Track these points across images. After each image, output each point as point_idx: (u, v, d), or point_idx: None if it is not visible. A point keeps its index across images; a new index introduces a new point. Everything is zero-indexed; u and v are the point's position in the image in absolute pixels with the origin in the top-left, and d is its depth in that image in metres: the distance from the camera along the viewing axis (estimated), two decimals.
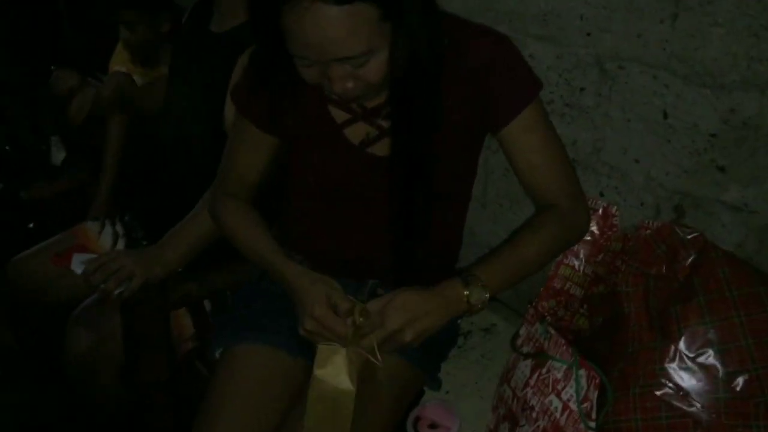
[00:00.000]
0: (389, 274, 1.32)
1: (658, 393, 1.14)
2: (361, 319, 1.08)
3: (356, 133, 1.26)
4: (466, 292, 1.13)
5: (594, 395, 1.06)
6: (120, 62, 2.35)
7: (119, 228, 1.89)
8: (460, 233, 1.43)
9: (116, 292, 1.46)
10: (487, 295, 1.14)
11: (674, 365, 1.15)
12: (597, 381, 1.06)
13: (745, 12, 1.14)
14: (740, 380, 1.09)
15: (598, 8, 1.35)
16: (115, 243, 1.86)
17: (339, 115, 1.26)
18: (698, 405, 1.11)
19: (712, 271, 1.20)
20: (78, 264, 1.54)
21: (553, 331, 1.16)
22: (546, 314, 1.49)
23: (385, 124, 1.24)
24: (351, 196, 1.29)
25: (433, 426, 1.34)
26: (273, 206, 1.46)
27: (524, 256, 1.21)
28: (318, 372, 1.06)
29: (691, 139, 1.28)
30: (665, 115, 1.31)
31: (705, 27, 1.20)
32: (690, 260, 1.25)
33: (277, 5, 1.00)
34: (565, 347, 1.13)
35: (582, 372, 1.08)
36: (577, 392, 1.07)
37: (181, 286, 1.60)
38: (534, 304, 1.51)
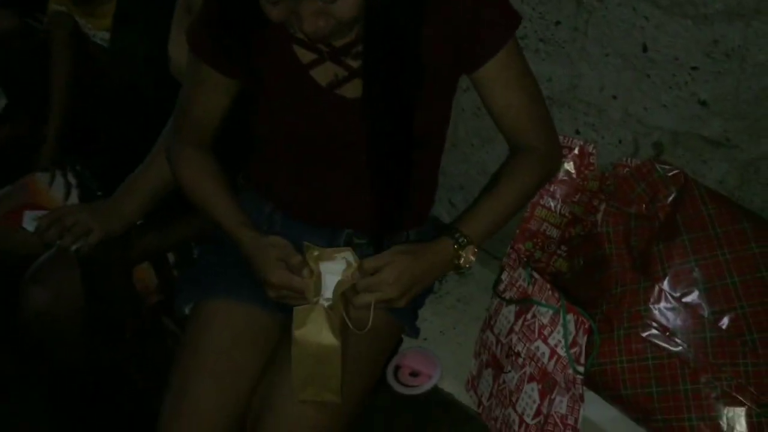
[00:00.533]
0: (365, 222, 1.27)
1: (643, 334, 1.13)
2: (350, 271, 1.07)
3: (324, 73, 1.18)
4: (460, 254, 1.13)
5: (583, 340, 1.04)
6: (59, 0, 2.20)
7: (71, 178, 1.78)
8: (436, 177, 1.38)
9: (73, 248, 1.38)
10: (474, 257, 1.14)
11: (659, 306, 1.14)
12: (587, 326, 1.04)
13: None
14: (726, 319, 1.09)
15: None
16: (67, 195, 1.76)
17: (304, 55, 1.18)
18: (684, 345, 1.10)
19: (695, 209, 1.18)
20: (30, 221, 1.45)
21: (537, 276, 1.13)
22: (523, 256, 1.46)
23: (354, 63, 1.16)
24: (321, 141, 1.22)
25: (414, 374, 1.32)
26: (237, 152, 1.39)
27: (506, 206, 1.20)
28: (298, 333, 1.02)
29: (671, 72, 1.25)
30: (644, 48, 1.27)
31: None
32: (671, 198, 1.24)
33: None
34: (551, 292, 1.10)
35: (570, 317, 1.06)
36: (566, 337, 1.05)
37: (141, 240, 1.52)
38: (510, 246, 1.48)
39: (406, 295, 1.09)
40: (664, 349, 1.11)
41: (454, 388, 1.34)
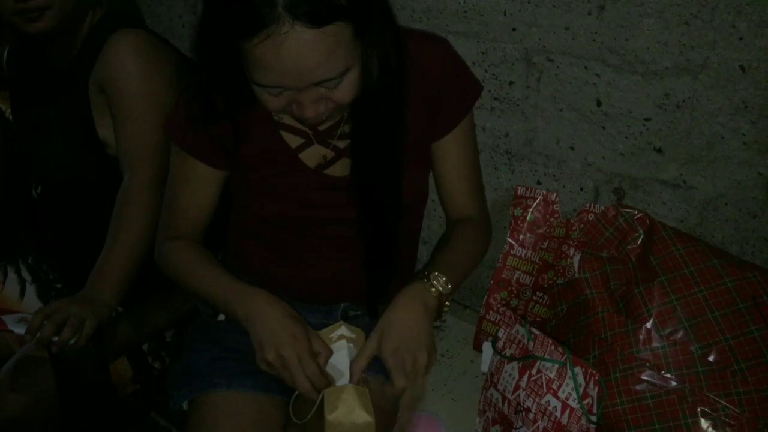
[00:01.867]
0: (358, 294, 1.29)
1: (638, 375, 1.20)
2: (355, 342, 1.11)
3: (312, 156, 1.21)
4: (437, 289, 1.14)
5: (594, 391, 1.10)
6: None
7: (25, 273, 1.72)
8: (418, 239, 1.42)
9: (72, 341, 1.33)
10: (450, 287, 1.15)
11: (650, 346, 1.21)
12: (596, 377, 1.10)
13: (673, 1, 1.19)
14: (714, 352, 1.17)
15: (522, 3, 1.36)
16: (23, 292, 1.69)
17: (292, 140, 1.20)
18: (679, 381, 1.17)
19: (666, 250, 1.27)
20: (15, 324, 1.38)
21: (537, 331, 1.18)
22: (499, 305, 1.52)
23: (340, 144, 1.20)
24: (312, 220, 1.24)
25: None
26: (215, 236, 1.39)
27: (460, 260, 1.23)
28: (331, 416, 1.02)
29: (626, 124, 1.34)
30: (598, 103, 1.35)
31: (634, 17, 1.24)
32: (640, 240, 1.31)
33: (243, 36, 0.93)
34: (553, 346, 1.15)
35: (578, 369, 1.11)
36: (576, 390, 1.10)
37: (117, 332, 1.48)
38: (486, 297, 1.54)
39: (420, 349, 1.07)
40: (661, 386, 1.18)
41: None
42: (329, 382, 1.09)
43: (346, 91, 1.02)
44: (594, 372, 1.10)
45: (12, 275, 1.71)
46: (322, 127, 1.18)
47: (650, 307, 1.23)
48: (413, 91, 1.15)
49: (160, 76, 1.46)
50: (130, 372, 1.61)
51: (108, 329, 1.46)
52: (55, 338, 1.29)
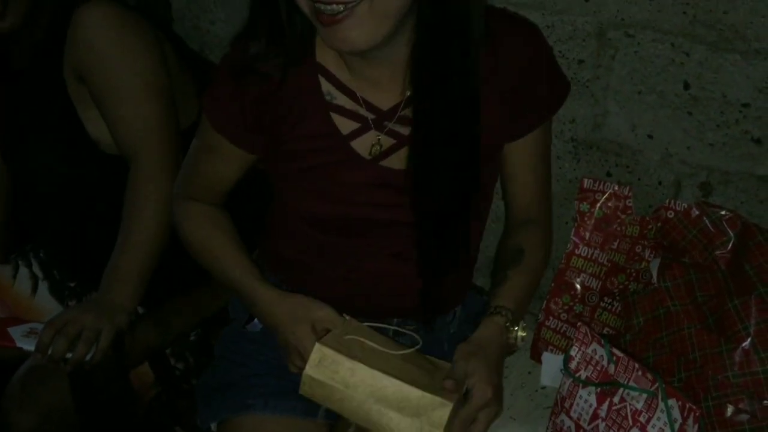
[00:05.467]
0: (411, 307, 1.14)
1: (735, 404, 1.05)
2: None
3: (367, 144, 1.05)
4: (512, 330, 1.07)
5: (694, 429, 0.94)
6: None
7: (37, 270, 1.59)
8: (479, 243, 1.26)
9: (87, 357, 1.20)
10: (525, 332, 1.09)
11: (747, 370, 1.05)
12: (696, 413, 0.94)
13: None
14: None
15: None
16: (34, 289, 1.57)
17: (344, 124, 1.04)
18: None
19: (764, 257, 1.10)
20: (22, 339, 1.25)
21: (619, 353, 1.03)
22: (561, 311, 1.37)
23: (403, 130, 1.03)
24: (362, 220, 1.08)
25: None
26: (252, 230, 1.24)
27: (531, 280, 1.16)
28: None
29: (718, 110, 1.17)
30: (686, 86, 1.18)
31: None
32: (730, 245, 1.15)
33: None
34: (641, 372, 1.00)
35: (672, 402, 0.95)
36: (671, 426, 0.94)
37: (139, 338, 1.35)
38: (546, 302, 1.38)
39: (499, 397, 0.99)
40: (763, 418, 1.03)
41: None
42: None
43: None
44: (694, 407, 0.94)
45: (24, 270, 1.58)
46: (384, 106, 1.02)
47: (748, 325, 1.07)
48: (491, 80, 0.99)
49: (142, 46, 1.30)
50: (152, 375, 1.48)
51: (128, 335, 1.33)
52: (69, 355, 1.16)
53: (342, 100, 1.03)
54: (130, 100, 1.31)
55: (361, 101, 1.03)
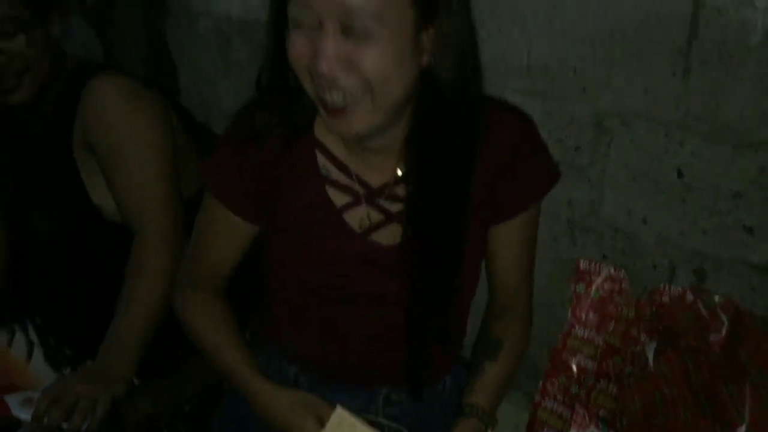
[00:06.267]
0: (401, 377, 1.15)
1: None
2: None
3: (358, 217, 1.08)
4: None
5: None
6: None
7: (32, 335, 1.59)
8: (469, 312, 1.28)
9: (84, 427, 1.19)
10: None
11: None
12: None
13: None
14: None
15: (595, 61, 1.24)
16: (30, 354, 1.56)
17: (338, 197, 1.08)
18: None
19: (758, 344, 1.13)
20: (19, 407, 1.24)
21: None
22: (557, 392, 1.37)
23: (392, 207, 1.07)
24: (352, 291, 1.11)
25: None
26: (247, 303, 1.26)
27: (509, 374, 1.16)
28: None
29: (711, 199, 1.20)
30: (679, 174, 1.22)
31: (727, 82, 1.12)
32: (725, 330, 1.18)
33: None
34: None
35: None
36: None
37: (135, 408, 1.34)
38: (542, 382, 1.39)
39: None
40: None
41: None
42: None
43: (375, 57, 0.88)
44: None
45: (20, 335, 1.58)
46: (375, 183, 1.05)
47: (742, 411, 1.08)
48: (481, 164, 1.03)
49: (150, 118, 1.35)
50: None
51: (124, 405, 1.32)
52: (65, 424, 1.15)
53: (336, 174, 1.07)
54: (137, 172, 1.35)
55: (354, 177, 1.06)
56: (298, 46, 0.91)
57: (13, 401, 1.25)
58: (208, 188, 1.13)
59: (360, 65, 0.88)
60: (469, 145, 1.00)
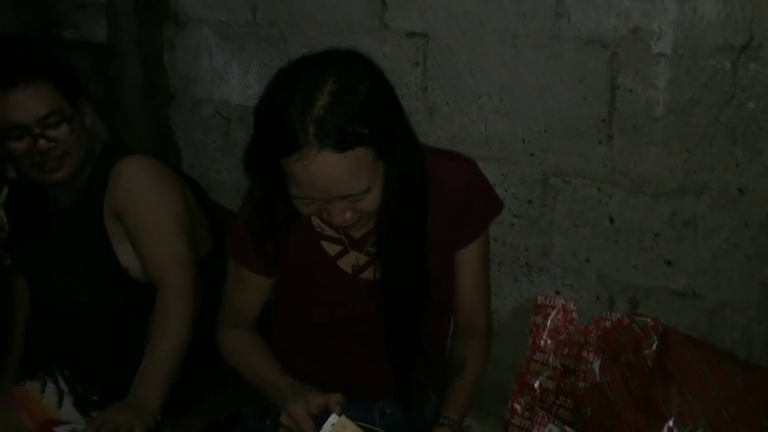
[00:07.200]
0: (392, 393, 1.39)
1: None
2: None
3: (348, 262, 1.35)
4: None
5: None
6: None
7: (63, 385, 1.78)
8: (448, 335, 1.52)
9: None
10: None
11: None
12: None
13: (676, 133, 1.37)
14: None
15: (540, 132, 1.53)
16: (60, 402, 1.75)
17: (331, 248, 1.34)
18: None
19: (681, 354, 1.39)
20: None
21: (570, 430, 1.28)
22: (523, 410, 1.61)
23: (373, 250, 1.33)
24: (347, 321, 1.36)
25: None
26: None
27: (474, 388, 1.38)
28: None
29: (637, 239, 1.48)
30: (611, 220, 1.50)
31: (641, 146, 1.41)
32: (654, 345, 1.44)
33: (282, 155, 1.09)
34: None
35: None
36: None
37: None
38: (511, 402, 1.63)
39: None
40: None
41: None
42: None
43: (369, 203, 1.16)
44: None
45: (50, 385, 1.77)
46: (357, 235, 1.32)
47: (670, 407, 1.34)
48: (436, 205, 1.29)
49: (172, 192, 1.58)
50: None
51: None
52: None
53: (328, 230, 1.34)
54: (160, 236, 1.58)
55: (341, 232, 1.33)
56: (306, 210, 1.18)
57: (61, 431, 1.45)
58: (230, 256, 1.40)
59: (361, 209, 1.17)
60: (420, 202, 1.26)
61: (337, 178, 1.10)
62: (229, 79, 2.06)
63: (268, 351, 1.39)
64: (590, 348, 1.55)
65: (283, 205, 1.22)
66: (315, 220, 1.33)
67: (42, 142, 1.45)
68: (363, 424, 1.25)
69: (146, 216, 1.57)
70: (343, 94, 1.08)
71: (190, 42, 2.12)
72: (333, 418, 1.16)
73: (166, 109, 2.28)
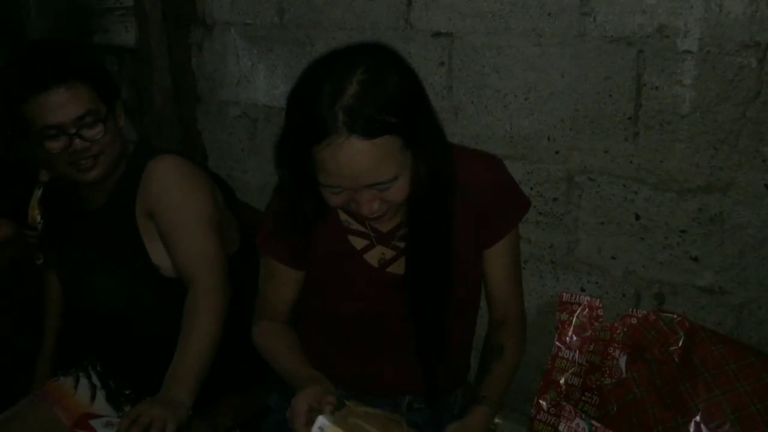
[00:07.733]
0: (419, 388, 1.40)
1: None
2: None
3: (374, 256, 1.36)
4: (496, 421, 1.32)
5: None
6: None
7: (95, 380, 1.82)
8: (472, 340, 1.54)
9: None
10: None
11: None
12: None
13: (702, 130, 1.37)
14: None
15: (565, 130, 1.54)
16: (93, 397, 1.78)
17: (357, 242, 1.36)
18: None
19: (707, 350, 1.39)
20: (102, 428, 1.48)
21: (598, 424, 1.29)
22: (549, 406, 1.62)
23: (400, 244, 1.35)
24: (374, 315, 1.37)
25: None
26: None
27: (511, 374, 1.40)
28: None
29: (663, 236, 1.49)
30: (637, 217, 1.51)
31: (667, 143, 1.42)
32: (681, 341, 1.44)
33: (311, 143, 1.11)
34: None
35: None
36: None
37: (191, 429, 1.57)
38: (536, 399, 1.64)
39: None
40: None
41: None
42: None
43: (396, 192, 1.18)
44: None
45: (83, 381, 1.80)
46: (384, 229, 1.33)
47: (696, 402, 1.34)
48: (462, 203, 1.31)
49: (202, 191, 1.61)
50: None
51: (185, 429, 1.55)
52: None
53: (355, 225, 1.35)
54: (192, 234, 1.61)
55: (368, 226, 1.35)
56: (335, 200, 1.19)
57: (97, 423, 1.49)
58: (260, 250, 1.42)
59: (388, 199, 1.18)
60: (448, 196, 1.27)
61: (364, 165, 1.11)
62: (255, 81, 2.09)
63: (296, 343, 1.41)
64: (616, 344, 1.55)
65: (312, 199, 1.24)
66: (342, 215, 1.35)
67: (78, 141, 1.49)
68: (368, 409, 1.23)
69: (178, 214, 1.59)
70: (372, 83, 1.10)
71: (218, 45, 2.15)
72: (321, 421, 1.14)
73: (194, 111, 2.31)
